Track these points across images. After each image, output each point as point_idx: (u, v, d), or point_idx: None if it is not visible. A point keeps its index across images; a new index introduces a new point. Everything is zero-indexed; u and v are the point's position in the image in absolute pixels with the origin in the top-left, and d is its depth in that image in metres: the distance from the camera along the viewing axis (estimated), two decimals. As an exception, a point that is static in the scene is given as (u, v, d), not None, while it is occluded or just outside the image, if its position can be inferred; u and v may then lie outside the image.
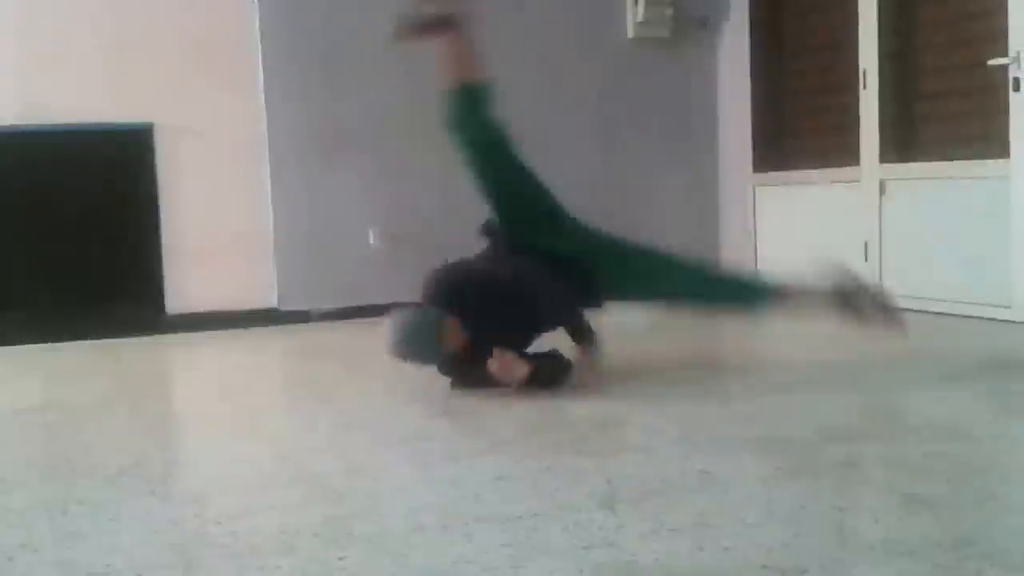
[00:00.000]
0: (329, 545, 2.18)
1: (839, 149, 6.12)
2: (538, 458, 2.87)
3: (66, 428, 3.58)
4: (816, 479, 2.56)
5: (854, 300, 4.01)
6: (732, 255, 7.04)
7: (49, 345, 5.55)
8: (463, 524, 2.28)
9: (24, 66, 5.65)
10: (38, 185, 5.69)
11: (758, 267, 6.85)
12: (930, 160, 5.54)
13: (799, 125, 6.71)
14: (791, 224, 6.56)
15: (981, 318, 5.18)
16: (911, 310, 5.50)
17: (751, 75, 6.79)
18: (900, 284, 5.66)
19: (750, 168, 6.82)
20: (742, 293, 4.26)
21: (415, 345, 3.63)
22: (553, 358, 3.82)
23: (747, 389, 3.89)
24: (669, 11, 6.76)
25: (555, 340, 3.90)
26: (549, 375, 3.75)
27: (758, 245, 6.83)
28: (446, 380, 3.92)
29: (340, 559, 2.09)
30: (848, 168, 6.02)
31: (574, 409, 3.53)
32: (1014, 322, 5.01)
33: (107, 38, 5.80)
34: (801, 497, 2.41)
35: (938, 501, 2.34)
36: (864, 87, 5.88)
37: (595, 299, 4.05)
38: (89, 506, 2.54)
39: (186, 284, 5.95)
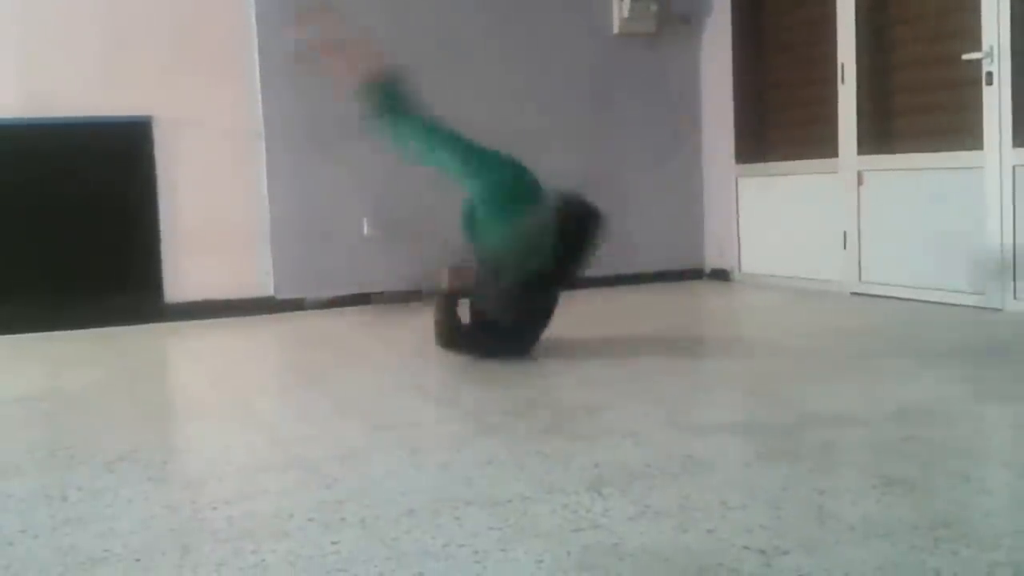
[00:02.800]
0: (322, 529, 2.21)
1: (818, 141, 6.19)
2: (527, 443, 2.91)
3: (65, 416, 3.60)
4: (796, 463, 2.61)
5: None
6: (716, 244, 7.11)
7: (49, 334, 5.56)
8: (453, 508, 2.32)
9: (25, 60, 5.67)
10: (38, 177, 5.70)
11: (740, 254, 6.92)
12: (906, 152, 5.61)
13: (779, 117, 6.77)
14: (773, 213, 6.62)
15: (955, 305, 5.25)
16: (888, 297, 5.59)
17: (733, 69, 6.85)
18: (877, 272, 5.76)
19: (732, 159, 6.88)
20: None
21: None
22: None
23: (729, 375, 3.95)
24: (654, 7, 6.83)
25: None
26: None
27: (741, 233, 6.89)
28: (438, 367, 3.99)
29: (333, 543, 2.12)
30: (827, 159, 6.09)
31: (562, 394, 3.58)
32: (987, 308, 5.08)
33: (106, 32, 5.82)
34: (782, 480, 2.46)
35: (914, 483, 2.40)
36: (842, 81, 5.95)
37: None
38: (88, 492, 2.57)
39: (184, 273, 5.98)
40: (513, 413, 3.32)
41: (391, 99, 4.33)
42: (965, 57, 5.12)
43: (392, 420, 3.32)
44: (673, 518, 2.20)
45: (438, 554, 2.04)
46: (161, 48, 5.91)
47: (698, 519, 2.19)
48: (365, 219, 6.27)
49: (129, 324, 5.78)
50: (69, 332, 5.60)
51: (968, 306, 5.18)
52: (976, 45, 5.08)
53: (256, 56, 6.07)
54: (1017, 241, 4.97)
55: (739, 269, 6.93)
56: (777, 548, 2.00)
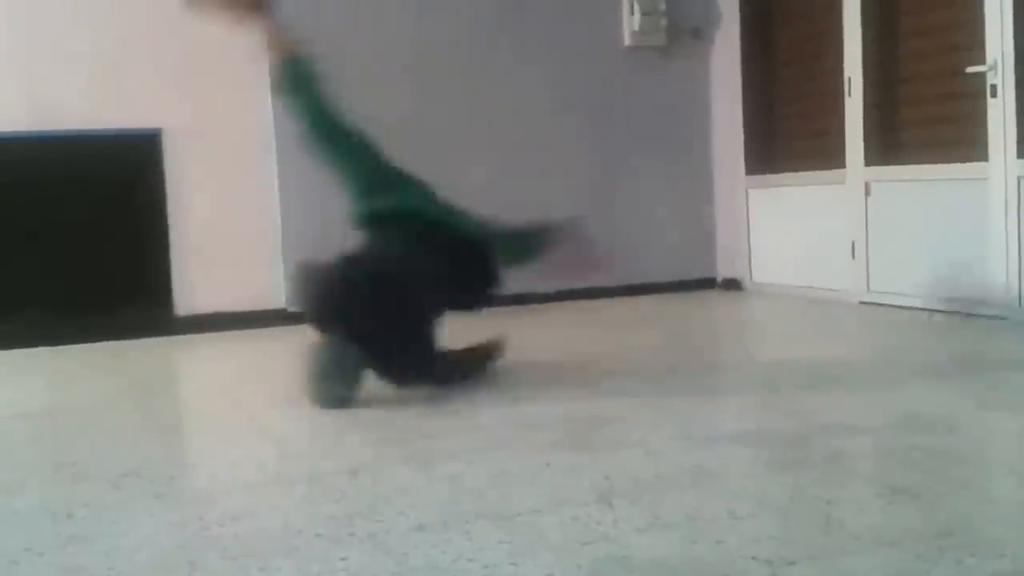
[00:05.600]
0: (331, 545, 2.21)
1: (826, 152, 6.19)
2: (537, 455, 2.91)
3: (72, 431, 3.60)
4: (804, 472, 2.61)
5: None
6: (727, 254, 7.11)
7: (59, 348, 5.56)
8: (463, 522, 2.31)
9: (33, 73, 5.70)
10: (48, 190, 5.72)
11: (751, 264, 6.92)
12: (912, 163, 5.62)
13: (788, 129, 6.79)
14: (782, 224, 6.63)
15: (962, 313, 5.24)
16: (895, 306, 5.59)
17: (742, 82, 6.87)
18: (885, 281, 5.76)
19: (742, 171, 6.89)
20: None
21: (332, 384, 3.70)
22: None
23: (737, 385, 3.95)
24: (664, 21, 6.87)
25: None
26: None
27: (751, 244, 6.90)
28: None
29: (342, 559, 2.12)
30: (835, 171, 6.09)
31: (572, 406, 3.57)
32: (993, 318, 5.07)
33: (115, 45, 5.84)
34: (790, 490, 2.45)
35: (921, 492, 2.39)
36: (849, 93, 5.96)
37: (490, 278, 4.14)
38: (93, 509, 2.57)
39: (195, 286, 5.99)
40: (523, 425, 3.32)
41: (302, 78, 4.29)
42: (970, 70, 5.13)
43: (402, 433, 3.32)
44: (682, 529, 2.20)
45: (448, 569, 2.04)
46: (170, 60, 5.93)
47: (707, 530, 2.19)
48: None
49: (139, 337, 5.79)
50: (79, 346, 5.61)
51: (974, 315, 5.17)
52: (980, 58, 5.09)
53: (267, 67, 6.08)
54: (1023, 250, 4.97)
55: (750, 279, 6.93)
56: (784, 558, 2.00)
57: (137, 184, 5.92)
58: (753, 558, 2.01)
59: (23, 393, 4.48)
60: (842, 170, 6.04)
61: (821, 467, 2.67)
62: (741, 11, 6.87)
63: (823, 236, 6.24)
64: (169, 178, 5.96)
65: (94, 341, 5.67)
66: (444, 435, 3.27)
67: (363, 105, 6.21)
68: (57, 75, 5.74)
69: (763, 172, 6.80)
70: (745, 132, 6.87)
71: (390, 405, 3.78)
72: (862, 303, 5.91)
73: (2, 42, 5.68)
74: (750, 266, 6.93)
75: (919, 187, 5.56)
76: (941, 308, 5.39)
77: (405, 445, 3.14)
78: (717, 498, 2.43)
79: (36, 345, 5.58)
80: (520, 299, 6.03)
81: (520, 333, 5.25)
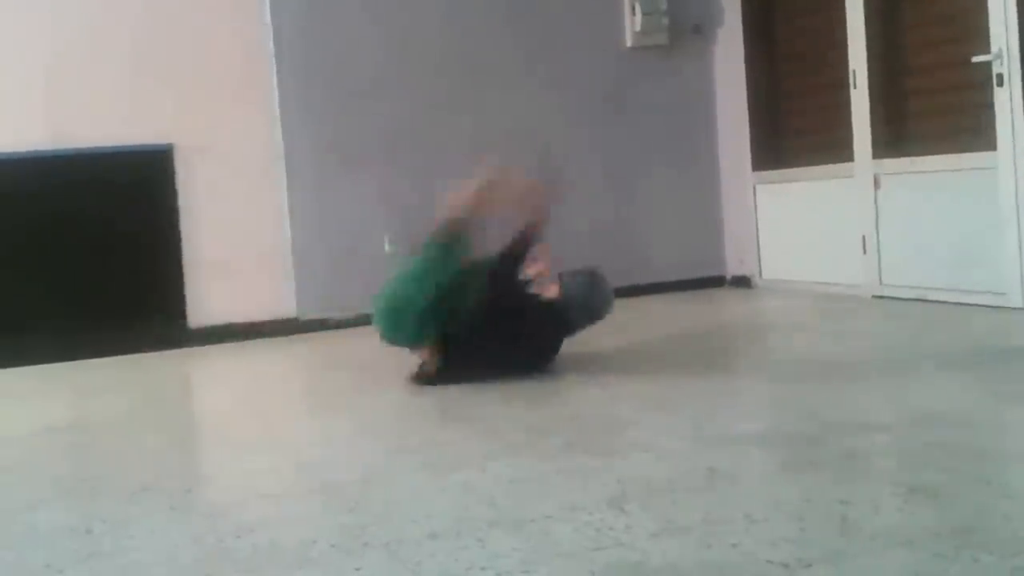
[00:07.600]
0: (345, 555, 2.21)
1: (833, 146, 6.18)
2: (549, 460, 2.91)
3: (90, 446, 3.62)
4: (819, 472, 2.60)
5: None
6: (736, 251, 7.10)
7: (75, 362, 5.59)
8: (476, 529, 2.32)
9: (49, 93, 5.75)
10: (63, 206, 5.76)
11: (760, 261, 6.90)
12: (920, 154, 5.60)
13: (794, 124, 6.78)
14: (792, 219, 6.61)
15: (976, 305, 5.22)
16: (909, 299, 5.57)
17: (746, 78, 6.86)
18: (898, 275, 5.74)
19: (749, 167, 6.88)
20: None
21: None
22: None
23: (749, 385, 3.94)
24: (665, 20, 6.86)
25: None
26: None
27: (760, 240, 6.89)
28: (458, 386, 4.03)
29: (356, 569, 2.12)
30: (843, 164, 6.08)
31: (583, 409, 3.57)
32: (1007, 308, 5.05)
33: (127, 64, 5.90)
34: (805, 491, 2.45)
35: (937, 490, 2.38)
36: (854, 86, 5.95)
37: None
38: (111, 524, 2.58)
39: (207, 298, 6.03)
40: (534, 430, 3.32)
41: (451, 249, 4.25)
42: (975, 59, 5.11)
43: (414, 441, 3.33)
44: (696, 533, 2.20)
45: (461, 577, 2.04)
46: (180, 76, 5.98)
47: (721, 533, 2.18)
48: (386, 236, 6.28)
49: (154, 350, 5.83)
50: (95, 360, 5.63)
51: (988, 306, 5.15)
52: (985, 47, 5.07)
53: (274, 81, 6.13)
54: (1035, 240, 4.96)
55: (760, 275, 6.92)
56: (800, 561, 2.00)
57: (150, 199, 5.97)
58: (769, 561, 2.00)
59: (39, 409, 4.49)
60: (850, 163, 6.02)
61: (836, 467, 2.66)
62: (743, 6, 6.87)
63: (833, 231, 6.22)
64: (181, 192, 6.00)
65: (109, 355, 5.70)
66: (455, 442, 3.27)
67: (366, 109, 6.31)
68: (72, 95, 5.79)
69: (770, 168, 6.79)
70: (751, 128, 6.87)
71: (401, 413, 3.79)
72: (875, 297, 5.89)
73: (20, 64, 5.74)
74: (759, 263, 6.91)
75: (928, 179, 5.54)
76: (954, 300, 5.37)
77: (417, 453, 3.14)
78: (731, 501, 2.42)
79: (51, 360, 5.61)
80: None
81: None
